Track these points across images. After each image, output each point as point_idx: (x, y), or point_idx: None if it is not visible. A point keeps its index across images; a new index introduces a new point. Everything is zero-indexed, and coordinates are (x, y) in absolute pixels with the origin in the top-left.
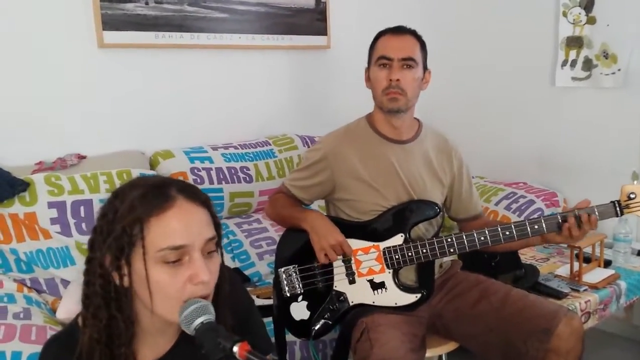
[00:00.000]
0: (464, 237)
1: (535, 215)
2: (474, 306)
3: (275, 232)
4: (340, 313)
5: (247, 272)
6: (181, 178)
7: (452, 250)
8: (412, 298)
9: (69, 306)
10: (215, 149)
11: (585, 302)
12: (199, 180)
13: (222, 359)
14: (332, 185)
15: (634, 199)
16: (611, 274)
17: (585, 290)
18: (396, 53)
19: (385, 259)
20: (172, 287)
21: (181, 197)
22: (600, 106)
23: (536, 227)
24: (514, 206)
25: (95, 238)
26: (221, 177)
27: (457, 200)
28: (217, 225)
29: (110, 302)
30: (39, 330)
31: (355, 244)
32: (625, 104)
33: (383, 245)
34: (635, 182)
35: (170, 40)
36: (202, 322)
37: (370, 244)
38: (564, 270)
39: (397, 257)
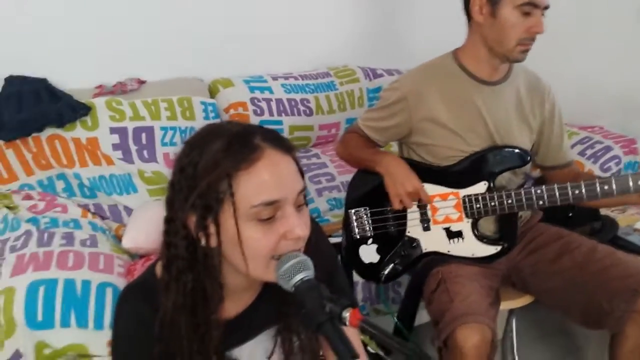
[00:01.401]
0: (556, 189)
1: (612, 163)
2: (555, 261)
3: (334, 168)
4: (412, 260)
5: None
6: (241, 109)
7: (541, 202)
8: (491, 250)
9: (135, 235)
10: (275, 78)
11: None
12: (258, 111)
13: (325, 322)
14: (409, 128)
15: None
16: None
17: None
18: (542, 0)
19: (465, 207)
20: (266, 245)
21: (268, 145)
22: None
23: None
24: (588, 152)
25: (174, 196)
26: (281, 109)
27: (546, 146)
28: (302, 174)
29: (196, 266)
30: (106, 259)
31: (432, 189)
32: None
33: (463, 192)
34: None
35: None
36: (302, 279)
37: (449, 190)
38: None
39: (478, 206)
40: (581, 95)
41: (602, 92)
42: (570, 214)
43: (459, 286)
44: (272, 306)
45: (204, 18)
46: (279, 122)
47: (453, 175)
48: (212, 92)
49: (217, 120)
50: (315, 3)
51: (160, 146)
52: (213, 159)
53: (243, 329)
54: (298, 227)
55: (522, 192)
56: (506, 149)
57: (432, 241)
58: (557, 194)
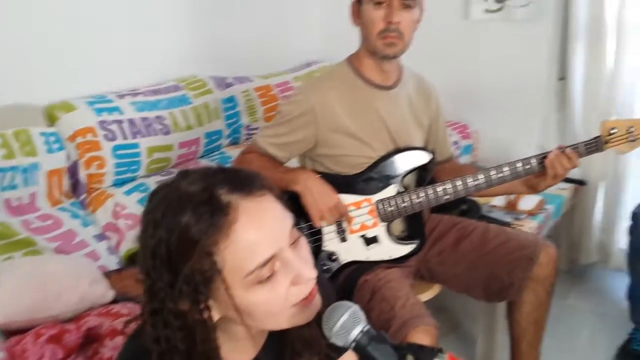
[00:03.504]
0: (458, 182)
1: (453, 148)
2: (455, 247)
3: None
4: (332, 273)
5: None
6: (90, 136)
7: (447, 197)
8: (407, 249)
9: (5, 307)
10: (121, 97)
11: (529, 229)
12: (110, 136)
13: None
14: (315, 141)
15: (614, 133)
16: (539, 200)
17: (524, 217)
18: None
19: (379, 212)
20: (276, 301)
21: (239, 197)
22: (511, 39)
23: (527, 166)
24: None
25: (154, 285)
26: (135, 130)
27: (433, 143)
28: (281, 199)
29: (195, 354)
30: None
31: (345, 199)
32: (536, 37)
33: (375, 197)
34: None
35: None
36: (362, 332)
37: (362, 197)
38: (498, 201)
39: (391, 209)
40: None
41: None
42: None
43: (393, 291)
44: (280, 353)
45: (26, 32)
46: (135, 145)
47: (363, 183)
48: (51, 119)
49: (164, 179)
50: (152, 13)
51: (0, 192)
52: (186, 237)
53: None
54: (305, 269)
55: (429, 189)
56: (410, 150)
57: (350, 251)
58: (460, 186)
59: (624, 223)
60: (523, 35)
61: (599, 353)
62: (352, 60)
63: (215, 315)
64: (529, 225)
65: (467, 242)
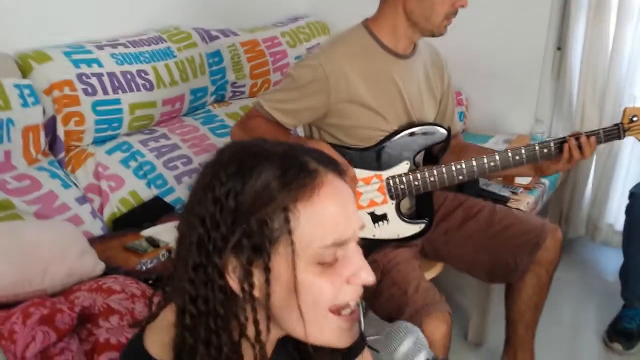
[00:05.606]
0: (474, 162)
1: None
2: (461, 227)
3: (188, 149)
4: None
5: (167, 200)
6: (67, 90)
7: (460, 177)
8: (415, 229)
9: None
10: (100, 47)
11: (527, 204)
12: (89, 90)
13: None
14: (325, 110)
15: (636, 121)
16: None
17: (521, 192)
18: None
19: (389, 189)
20: (327, 292)
21: (326, 170)
22: (510, 5)
23: (545, 150)
24: None
25: (206, 234)
26: (116, 84)
27: (442, 117)
28: None
29: (232, 323)
30: None
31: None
32: (536, 4)
33: (386, 174)
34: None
35: None
36: None
37: (372, 173)
38: None
39: (402, 187)
40: None
41: None
42: None
43: (404, 274)
44: (291, 356)
45: None
46: (117, 101)
47: (374, 158)
48: (25, 70)
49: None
50: None
51: None
52: (264, 190)
53: None
54: (367, 271)
55: (443, 169)
56: (426, 126)
57: None
58: (476, 166)
59: (614, 199)
60: (519, 5)
61: (586, 324)
62: (371, 27)
63: (262, 290)
64: (526, 200)
65: (473, 222)
